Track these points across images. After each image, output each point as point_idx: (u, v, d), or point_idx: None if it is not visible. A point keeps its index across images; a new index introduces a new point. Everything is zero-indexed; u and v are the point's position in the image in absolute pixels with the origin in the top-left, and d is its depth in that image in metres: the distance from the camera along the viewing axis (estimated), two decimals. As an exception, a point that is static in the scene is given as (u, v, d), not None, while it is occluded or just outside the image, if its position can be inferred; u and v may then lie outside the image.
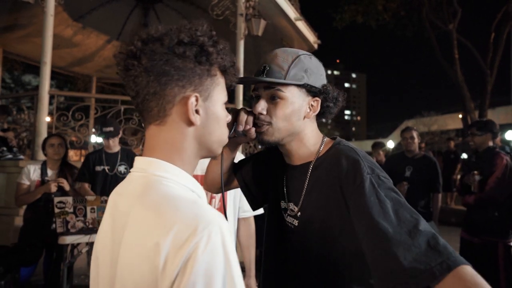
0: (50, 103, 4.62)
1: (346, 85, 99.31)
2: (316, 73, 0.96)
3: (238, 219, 1.82)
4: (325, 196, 0.93)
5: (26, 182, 2.94)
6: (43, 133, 4.24)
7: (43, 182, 2.96)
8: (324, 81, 0.98)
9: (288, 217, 1.03)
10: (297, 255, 0.99)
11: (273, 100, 0.94)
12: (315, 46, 7.18)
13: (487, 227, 2.76)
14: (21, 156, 4.67)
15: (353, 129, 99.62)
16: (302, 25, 6.58)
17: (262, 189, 1.18)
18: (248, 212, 1.82)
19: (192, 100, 0.65)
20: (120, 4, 6.67)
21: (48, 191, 2.79)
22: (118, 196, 0.70)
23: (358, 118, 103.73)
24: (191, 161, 0.69)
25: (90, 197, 2.48)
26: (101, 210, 2.46)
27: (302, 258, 0.97)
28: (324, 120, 1.05)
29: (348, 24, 12.54)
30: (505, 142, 12.90)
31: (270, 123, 0.95)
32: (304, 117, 0.96)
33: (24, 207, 3.06)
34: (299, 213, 0.99)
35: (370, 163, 0.89)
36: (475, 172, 2.85)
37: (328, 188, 0.92)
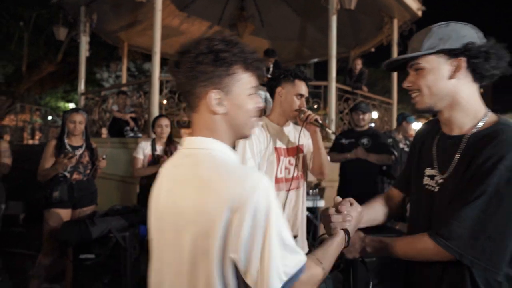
0: (165, 87, 5.31)
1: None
2: (455, 36, 1.00)
3: None
4: (472, 176, 0.95)
5: (140, 156, 3.53)
6: (156, 114, 4.91)
7: (153, 156, 3.51)
8: (468, 40, 0.99)
9: (431, 181, 1.09)
10: (434, 217, 1.05)
11: (417, 72, 1.06)
12: (419, 13, 6.55)
13: None
14: (140, 134, 5.49)
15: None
16: (402, -9, 6.07)
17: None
18: None
19: (211, 95, 0.87)
20: (218, -9, 7.08)
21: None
22: (174, 168, 0.92)
23: (481, 90, 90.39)
24: (225, 138, 0.91)
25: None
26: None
27: (436, 220, 1.04)
28: (487, 82, 1.04)
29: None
30: None
31: (418, 91, 1.06)
32: (450, 78, 1.01)
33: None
34: (441, 180, 1.05)
35: None
36: None
37: (480, 171, 0.93)
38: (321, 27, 6.84)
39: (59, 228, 2.85)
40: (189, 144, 0.92)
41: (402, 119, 4.10)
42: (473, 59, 0.98)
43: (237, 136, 0.93)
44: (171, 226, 0.87)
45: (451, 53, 1.00)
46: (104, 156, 3.19)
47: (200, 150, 0.88)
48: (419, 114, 1.05)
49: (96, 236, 2.72)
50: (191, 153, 0.89)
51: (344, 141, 3.65)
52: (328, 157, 3.86)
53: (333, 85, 5.38)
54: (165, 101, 5.71)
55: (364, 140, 3.57)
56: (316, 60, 9.70)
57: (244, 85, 0.90)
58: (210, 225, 0.77)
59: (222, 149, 0.89)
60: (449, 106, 1.04)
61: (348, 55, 8.32)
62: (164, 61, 5.38)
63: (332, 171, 4.60)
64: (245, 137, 0.94)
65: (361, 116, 3.62)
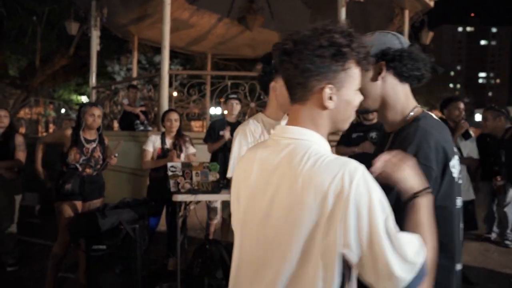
0: (175, 81, 5.35)
1: (483, 42, 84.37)
2: (376, 43, 1.08)
3: None
4: None
5: (150, 149, 3.60)
6: (165, 107, 4.96)
7: (163, 149, 3.58)
8: (386, 46, 1.08)
9: None
10: None
11: None
12: (431, 3, 6.42)
13: None
14: (150, 128, 5.58)
15: (489, 94, 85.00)
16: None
17: None
18: None
19: (326, 90, 0.84)
20: (227, -17, 7.06)
21: (170, 161, 3.36)
22: (269, 155, 0.89)
23: (497, 81, 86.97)
24: (324, 132, 0.90)
25: (195, 163, 2.92)
26: (204, 174, 2.87)
27: None
28: (415, 82, 1.11)
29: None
30: None
31: None
32: (376, 80, 1.09)
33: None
34: None
35: (425, 152, 0.97)
36: None
37: None
38: (330, 20, 6.77)
39: (71, 220, 2.94)
40: (289, 133, 0.89)
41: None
42: (390, 63, 1.07)
43: (332, 130, 0.92)
44: (263, 214, 0.86)
45: (375, 57, 1.07)
46: (116, 154, 3.26)
47: (301, 141, 0.86)
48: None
49: (107, 228, 2.80)
50: (291, 143, 0.86)
51: (352, 135, 3.65)
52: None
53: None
54: (175, 93, 5.76)
55: (373, 134, 3.56)
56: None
57: (354, 81, 0.88)
58: (313, 218, 0.77)
59: (321, 142, 0.88)
60: (381, 106, 1.13)
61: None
62: (174, 54, 5.42)
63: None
64: (341, 130, 0.94)
65: None
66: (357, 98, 0.90)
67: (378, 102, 1.12)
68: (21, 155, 3.57)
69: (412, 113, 1.10)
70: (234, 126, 3.23)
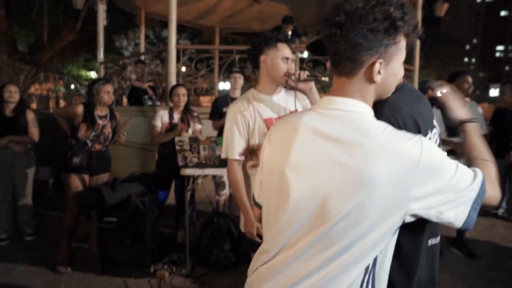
0: (183, 55, 5.30)
1: (503, 13, 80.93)
2: None
3: None
4: None
5: (158, 124, 3.62)
6: (173, 82, 4.95)
7: (171, 124, 3.60)
8: None
9: None
10: None
11: None
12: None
13: None
14: (158, 103, 5.59)
15: (506, 68, 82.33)
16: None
17: None
18: None
19: (377, 65, 0.83)
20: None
21: (177, 135, 3.39)
22: (323, 125, 0.86)
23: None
24: (370, 104, 0.90)
25: (202, 137, 2.94)
26: (212, 148, 2.89)
27: None
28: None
29: None
30: None
31: None
32: None
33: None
34: None
35: (390, 116, 0.94)
36: None
37: None
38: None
39: (81, 193, 3.02)
40: (340, 104, 0.87)
41: (427, 87, 3.94)
42: None
43: (377, 99, 0.91)
44: (314, 182, 0.83)
45: None
46: (125, 133, 3.30)
47: (356, 113, 0.85)
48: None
49: (117, 201, 2.88)
50: (344, 115, 0.85)
51: None
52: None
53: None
54: (183, 68, 5.73)
55: None
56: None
57: (402, 54, 0.87)
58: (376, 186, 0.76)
59: (370, 113, 0.88)
60: None
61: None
62: (182, 29, 5.35)
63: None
64: (384, 98, 0.93)
65: None
66: (402, 70, 0.89)
67: None
68: (34, 131, 3.64)
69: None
70: None
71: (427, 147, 0.80)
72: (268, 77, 1.86)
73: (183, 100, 3.61)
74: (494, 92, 35.78)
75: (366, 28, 0.79)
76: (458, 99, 1.10)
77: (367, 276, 0.81)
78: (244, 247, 2.42)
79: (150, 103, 5.63)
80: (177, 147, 2.90)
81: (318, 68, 5.28)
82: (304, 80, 1.79)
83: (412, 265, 0.97)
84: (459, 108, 1.07)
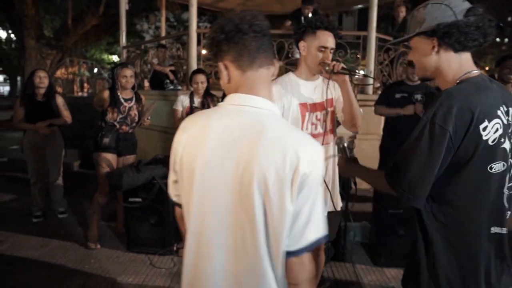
0: (203, 39, 5.33)
1: (538, -10, 75.96)
2: (428, 18, 1.15)
3: None
4: None
5: (179, 108, 3.71)
6: (194, 66, 5.01)
7: (191, 107, 3.68)
8: (438, 22, 1.12)
9: None
10: None
11: (411, 49, 1.27)
12: None
13: None
14: (179, 87, 5.67)
15: (541, 48, 77.87)
16: None
17: None
18: None
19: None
20: None
21: None
22: (234, 121, 0.92)
23: None
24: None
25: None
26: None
27: None
28: (472, 49, 1.14)
29: None
30: None
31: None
32: (431, 54, 1.17)
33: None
34: None
35: (443, 114, 1.04)
36: None
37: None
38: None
39: (110, 173, 3.16)
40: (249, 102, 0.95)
41: None
42: (442, 39, 1.13)
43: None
44: (225, 176, 0.89)
45: (427, 34, 1.16)
46: (149, 117, 3.41)
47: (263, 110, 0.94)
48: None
49: (142, 182, 3.01)
50: (250, 111, 0.93)
51: (396, 95, 3.44)
52: (373, 110, 3.68)
53: (373, 35, 5.10)
54: (204, 52, 5.75)
55: (418, 96, 3.36)
56: (360, 6, 9.08)
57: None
58: (278, 178, 0.84)
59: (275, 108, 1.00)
60: (436, 75, 1.22)
61: (394, 1, 7.73)
62: (202, 12, 5.35)
63: (368, 123, 4.54)
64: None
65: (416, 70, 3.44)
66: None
67: (434, 72, 1.20)
68: (66, 114, 3.81)
69: (458, 80, 1.14)
70: None
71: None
72: (305, 63, 1.88)
73: (202, 87, 3.68)
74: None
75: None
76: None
77: None
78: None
79: (171, 87, 5.72)
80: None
81: (339, 52, 5.21)
82: (338, 73, 1.78)
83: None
84: None
